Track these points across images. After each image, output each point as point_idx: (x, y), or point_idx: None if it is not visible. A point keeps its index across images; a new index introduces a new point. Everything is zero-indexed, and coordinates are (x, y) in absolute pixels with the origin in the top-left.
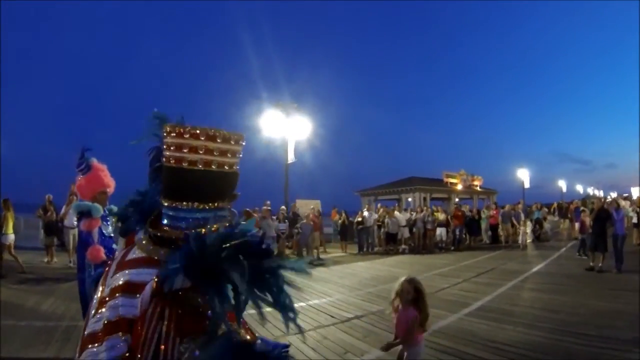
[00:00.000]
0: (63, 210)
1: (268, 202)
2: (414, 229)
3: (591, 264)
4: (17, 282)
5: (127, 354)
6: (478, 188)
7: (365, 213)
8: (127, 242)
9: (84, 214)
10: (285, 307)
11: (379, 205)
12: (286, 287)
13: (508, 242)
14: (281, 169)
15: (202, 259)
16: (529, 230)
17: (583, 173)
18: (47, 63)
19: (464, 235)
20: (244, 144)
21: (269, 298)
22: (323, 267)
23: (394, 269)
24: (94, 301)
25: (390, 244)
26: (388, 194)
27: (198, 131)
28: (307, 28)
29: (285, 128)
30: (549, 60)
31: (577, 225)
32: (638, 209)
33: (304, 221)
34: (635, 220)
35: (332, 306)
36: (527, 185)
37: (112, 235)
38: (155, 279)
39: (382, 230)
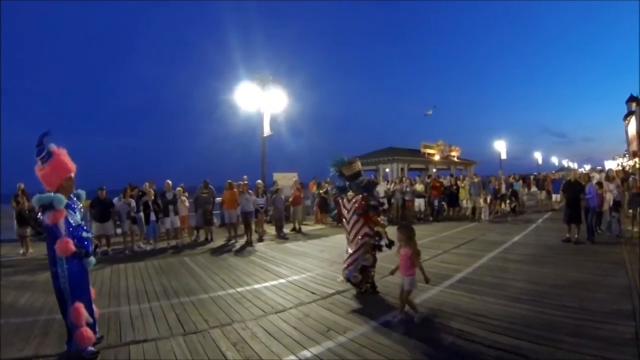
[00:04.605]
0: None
1: (245, 177)
2: (392, 200)
3: (567, 235)
4: None
5: None
6: (456, 159)
7: None
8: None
9: (46, 206)
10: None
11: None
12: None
13: (475, 214)
14: (258, 142)
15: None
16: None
17: (560, 146)
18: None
19: (443, 206)
20: (354, 164)
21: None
22: (303, 242)
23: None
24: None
25: None
26: (366, 164)
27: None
28: (283, 2)
29: (261, 101)
30: (530, 32)
31: (554, 197)
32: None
33: (276, 195)
34: (616, 198)
35: (313, 282)
36: (504, 156)
37: (82, 222)
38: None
39: None
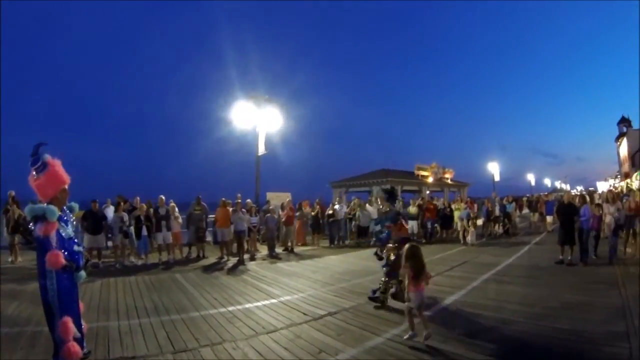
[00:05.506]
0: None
1: (239, 195)
2: None
3: (560, 257)
4: None
5: None
6: (449, 181)
7: (337, 206)
8: None
9: (38, 218)
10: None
11: (353, 197)
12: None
13: (465, 237)
14: (252, 160)
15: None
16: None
17: (552, 166)
18: None
19: (436, 228)
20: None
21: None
22: (295, 262)
23: (368, 263)
24: None
25: (362, 236)
26: (359, 185)
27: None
28: (279, 24)
29: (256, 120)
30: (524, 59)
31: (548, 218)
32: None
33: (269, 214)
34: (618, 221)
35: (304, 303)
36: (497, 178)
37: (73, 236)
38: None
39: (354, 223)
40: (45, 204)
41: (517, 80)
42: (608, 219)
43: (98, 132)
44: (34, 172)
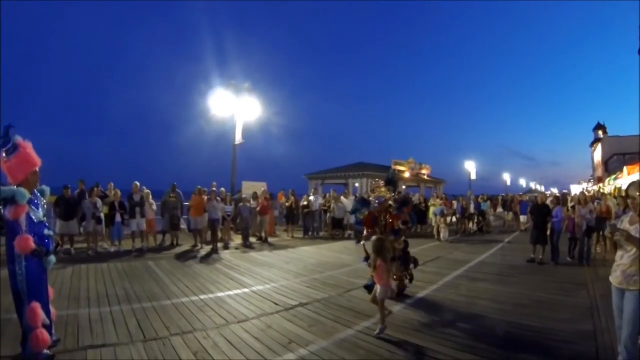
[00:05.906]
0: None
1: (214, 183)
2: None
3: (532, 255)
4: None
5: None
6: (426, 177)
7: (311, 197)
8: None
9: (8, 200)
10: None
11: (331, 190)
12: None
13: (439, 233)
14: (229, 149)
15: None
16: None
17: (528, 168)
18: None
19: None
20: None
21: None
22: (268, 252)
23: (341, 255)
24: None
25: (337, 228)
26: (335, 178)
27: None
28: (262, 18)
29: (234, 108)
30: (504, 64)
31: (522, 218)
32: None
33: (241, 204)
34: (590, 223)
35: (276, 293)
36: (473, 177)
37: (44, 219)
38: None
39: (328, 214)
40: (15, 187)
41: (497, 85)
42: (578, 220)
43: (70, 120)
44: (4, 154)
